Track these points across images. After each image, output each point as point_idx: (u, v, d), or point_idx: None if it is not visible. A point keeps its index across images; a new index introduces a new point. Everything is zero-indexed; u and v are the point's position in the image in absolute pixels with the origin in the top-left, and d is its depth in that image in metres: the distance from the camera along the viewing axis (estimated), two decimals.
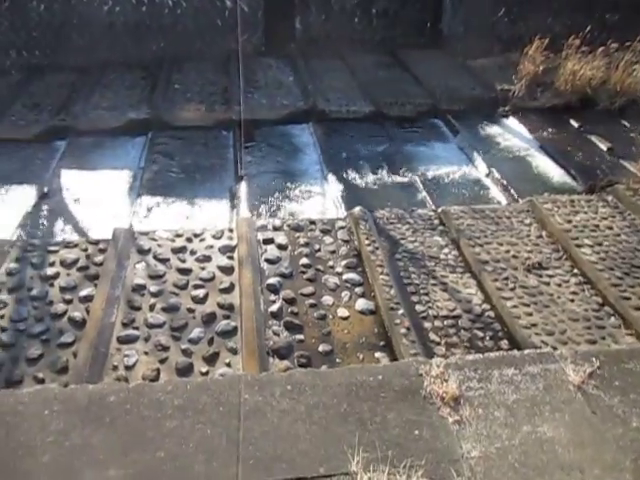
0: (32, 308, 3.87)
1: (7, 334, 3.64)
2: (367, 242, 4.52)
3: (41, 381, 3.32)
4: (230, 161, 6.43)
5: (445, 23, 9.38)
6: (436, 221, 4.99)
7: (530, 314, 3.91)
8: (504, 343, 3.75)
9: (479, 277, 4.31)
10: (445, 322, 3.88)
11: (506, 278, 4.25)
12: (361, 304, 4.05)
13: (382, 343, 3.74)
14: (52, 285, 4.07)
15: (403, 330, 3.70)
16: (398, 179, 6.22)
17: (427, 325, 3.85)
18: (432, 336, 3.76)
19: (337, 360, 3.59)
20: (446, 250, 4.62)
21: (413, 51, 9.31)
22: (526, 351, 3.10)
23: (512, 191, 5.81)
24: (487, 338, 3.79)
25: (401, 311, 3.86)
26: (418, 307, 3.99)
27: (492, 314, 3.99)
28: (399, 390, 2.68)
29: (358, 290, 4.18)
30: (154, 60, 8.53)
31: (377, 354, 3.66)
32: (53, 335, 3.66)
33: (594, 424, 2.56)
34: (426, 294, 4.12)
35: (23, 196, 5.71)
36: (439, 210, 5.15)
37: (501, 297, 4.06)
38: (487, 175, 6.26)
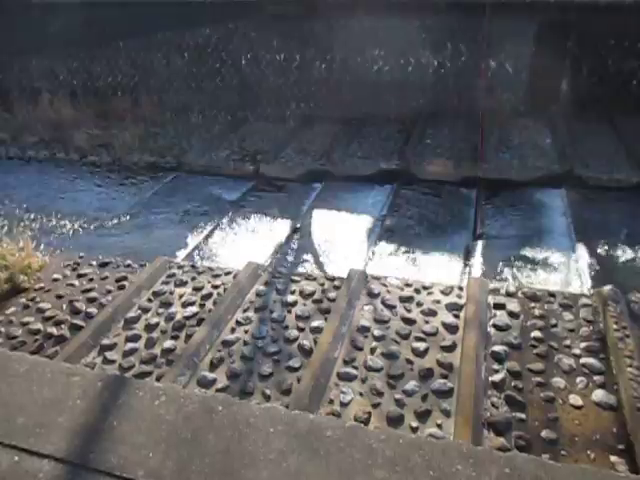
0: (271, 329, 4.22)
1: (247, 348, 4.04)
2: (615, 327, 3.98)
3: (267, 397, 3.60)
4: (470, 218, 6.37)
5: None
6: None
7: None
8: None
9: None
10: None
11: None
12: (599, 395, 3.55)
13: (621, 447, 3.20)
14: (290, 311, 4.40)
15: None
16: None
17: None
18: None
19: (562, 452, 3.18)
20: None
21: None
22: None
23: None
24: None
25: None
26: None
27: None
28: None
29: (597, 379, 3.68)
30: (411, 115, 9.01)
31: (613, 458, 3.14)
32: (283, 357, 3.94)
33: None
34: None
35: (280, 228, 6.51)
36: None
37: None
38: None
